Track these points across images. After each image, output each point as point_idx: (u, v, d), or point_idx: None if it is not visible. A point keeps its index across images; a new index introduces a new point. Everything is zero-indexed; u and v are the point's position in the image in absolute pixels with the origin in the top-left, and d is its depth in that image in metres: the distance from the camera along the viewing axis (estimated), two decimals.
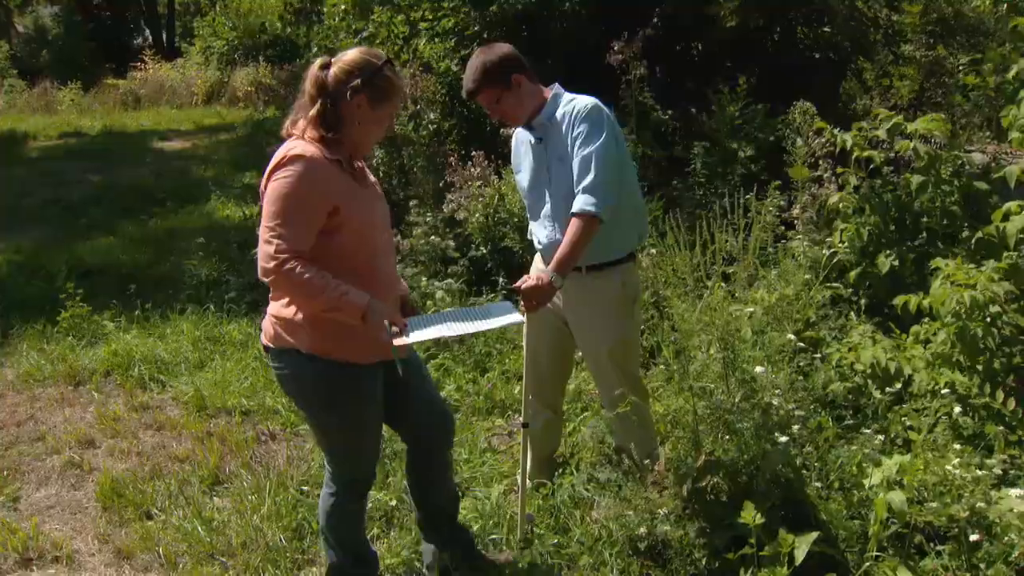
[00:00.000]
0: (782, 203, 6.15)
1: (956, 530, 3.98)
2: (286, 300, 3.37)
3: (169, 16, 35.01)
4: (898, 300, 5.06)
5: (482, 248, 7.29)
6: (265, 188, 3.23)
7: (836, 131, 5.95)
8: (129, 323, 7.88)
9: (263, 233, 3.16)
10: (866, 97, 14.31)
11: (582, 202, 3.92)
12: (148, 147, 18.01)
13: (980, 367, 4.61)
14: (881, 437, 4.51)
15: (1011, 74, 5.72)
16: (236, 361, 6.92)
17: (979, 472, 4.17)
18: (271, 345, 3.47)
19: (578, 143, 3.99)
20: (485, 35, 9.17)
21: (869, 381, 4.92)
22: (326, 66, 3.32)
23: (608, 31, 8.21)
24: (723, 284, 5.59)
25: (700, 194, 7.35)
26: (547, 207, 4.23)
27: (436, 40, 9.95)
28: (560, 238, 4.03)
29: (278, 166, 3.20)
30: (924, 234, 5.72)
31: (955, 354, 4.68)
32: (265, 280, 3.19)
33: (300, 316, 3.33)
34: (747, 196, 6.23)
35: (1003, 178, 5.42)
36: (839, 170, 6.07)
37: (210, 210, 12.35)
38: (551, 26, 9.27)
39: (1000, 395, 4.52)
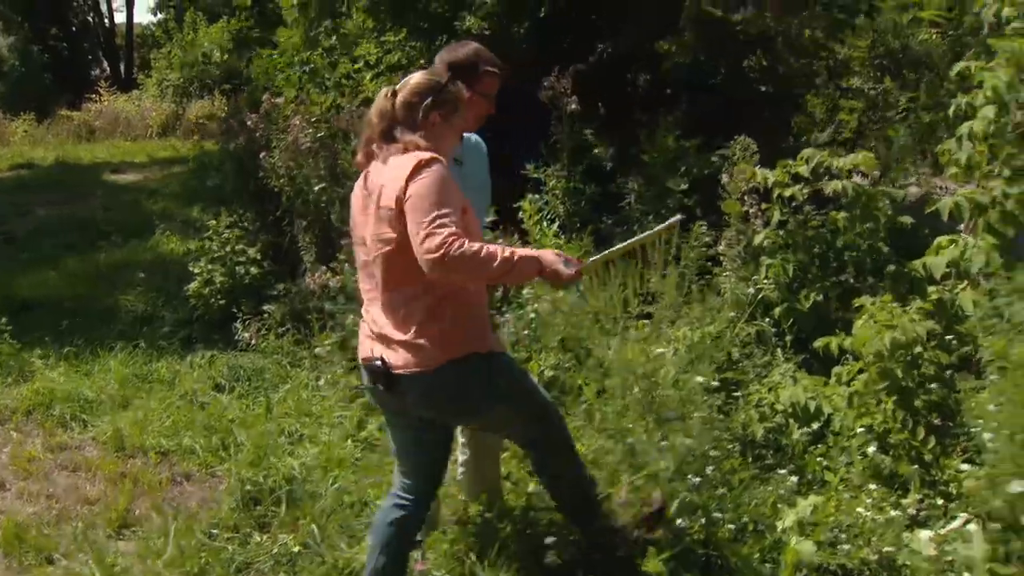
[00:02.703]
0: (708, 239, 6.10)
1: (868, 573, 3.92)
2: (417, 320, 3.44)
3: (128, 48, 34.87)
4: (819, 343, 5.01)
5: None
6: (405, 191, 3.30)
7: (757, 168, 5.92)
8: (58, 360, 7.70)
9: (420, 229, 3.19)
10: (815, 130, 14.41)
11: None
12: (100, 180, 17.75)
13: (900, 406, 4.55)
14: (796, 478, 4.44)
15: (951, 110, 5.70)
16: (160, 399, 6.76)
17: (893, 513, 4.12)
18: (416, 369, 3.46)
19: None
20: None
21: (790, 420, 4.86)
22: (393, 95, 3.54)
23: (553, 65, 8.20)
24: (646, 322, 5.51)
25: (635, 229, 7.30)
26: None
27: (381, 77, 9.91)
28: None
29: (416, 170, 3.31)
30: (851, 270, 5.68)
31: (876, 394, 4.62)
32: (437, 271, 3.19)
33: (446, 330, 3.45)
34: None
35: (937, 212, 5.40)
36: (764, 207, 6.03)
37: (154, 244, 12.17)
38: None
39: (920, 432, 4.47)
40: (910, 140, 8.19)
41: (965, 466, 4.20)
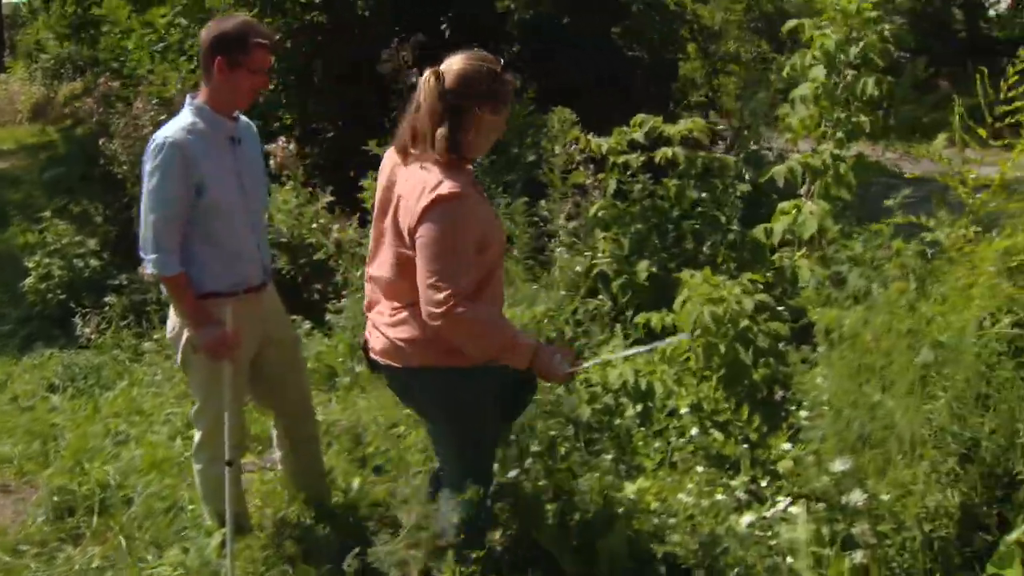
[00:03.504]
0: (545, 213, 5.88)
1: (693, 560, 3.74)
2: (405, 322, 3.30)
3: None
4: (639, 318, 4.82)
5: None
6: (415, 228, 3.09)
7: (590, 137, 5.69)
8: None
9: (426, 278, 3.06)
10: (698, 94, 14.36)
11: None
12: None
13: (727, 383, 4.39)
14: (620, 464, 4.25)
15: (785, 71, 5.56)
16: None
17: (719, 497, 3.95)
18: (390, 362, 3.37)
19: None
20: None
21: (623, 400, 4.67)
22: (439, 77, 3.14)
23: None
24: None
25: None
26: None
27: None
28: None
29: (432, 206, 3.06)
30: (691, 240, 5.50)
31: (700, 371, 4.46)
32: (435, 325, 3.08)
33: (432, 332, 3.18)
34: (512, 204, 5.96)
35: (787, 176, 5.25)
36: (600, 176, 5.82)
37: (9, 236, 11.60)
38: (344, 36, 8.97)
39: (745, 411, 4.31)
40: (764, 104, 8.02)
41: (787, 445, 4.04)
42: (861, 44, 4.83)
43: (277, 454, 4.53)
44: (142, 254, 3.76)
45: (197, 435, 4.15)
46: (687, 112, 10.65)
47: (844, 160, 4.95)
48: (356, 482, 4.65)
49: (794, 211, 5.15)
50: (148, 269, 3.78)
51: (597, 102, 8.81)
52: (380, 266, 3.38)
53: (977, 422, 3.64)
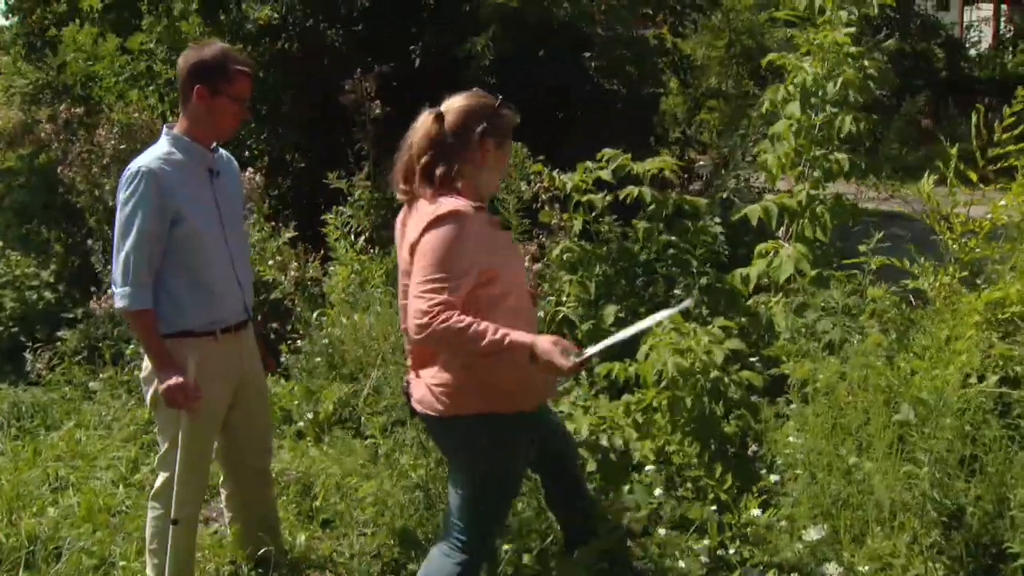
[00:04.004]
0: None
1: None
2: (432, 364, 3.26)
3: None
4: (601, 370, 4.55)
5: None
6: (417, 243, 3.10)
7: (555, 173, 5.40)
8: None
9: (415, 289, 3.03)
10: (678, 130, 14.15)
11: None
12: None
13: (695, 438, 4.12)
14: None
15: (764, 107, 5.34)
16: None
17: (681, 564, 3.68)
18: (437, 414, 3.27)
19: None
20: None
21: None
22: (440, 118, 3.20)
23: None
24: None
25: None
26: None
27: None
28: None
29: (433, 223, 3.07)
30: (661, 283, 5.22)
31: (665, 425, 4.18)
32: (419, 337, 3.02)
33: (465, 379, 3.20)
34: None
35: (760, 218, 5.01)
36: (565, 216, 5.52)
37: None
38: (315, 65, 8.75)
39: (718, 468, 4.03)
40: (741, 140, 7.80)
41: (757, 511, 3.76)
42: (839, 80, 4.61)
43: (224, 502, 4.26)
44: (113, 287, 3.61)
45: (159, 479, 3.88)
46: (667, 148, 10.39)
47: (822, 200, 4.71)
48: (302, 537, 4.39)
49: (771, 254, 4.90)
50: (117, 303, 3.57)
51: (572, 135, 8.60)
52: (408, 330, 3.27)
53: (962, 488, 3.38)
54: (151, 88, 10.10)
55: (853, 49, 4.66)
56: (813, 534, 3.38)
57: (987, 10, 26.28)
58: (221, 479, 4.22)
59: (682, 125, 13.83)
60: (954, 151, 3.98)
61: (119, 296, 3.55)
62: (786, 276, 4.63)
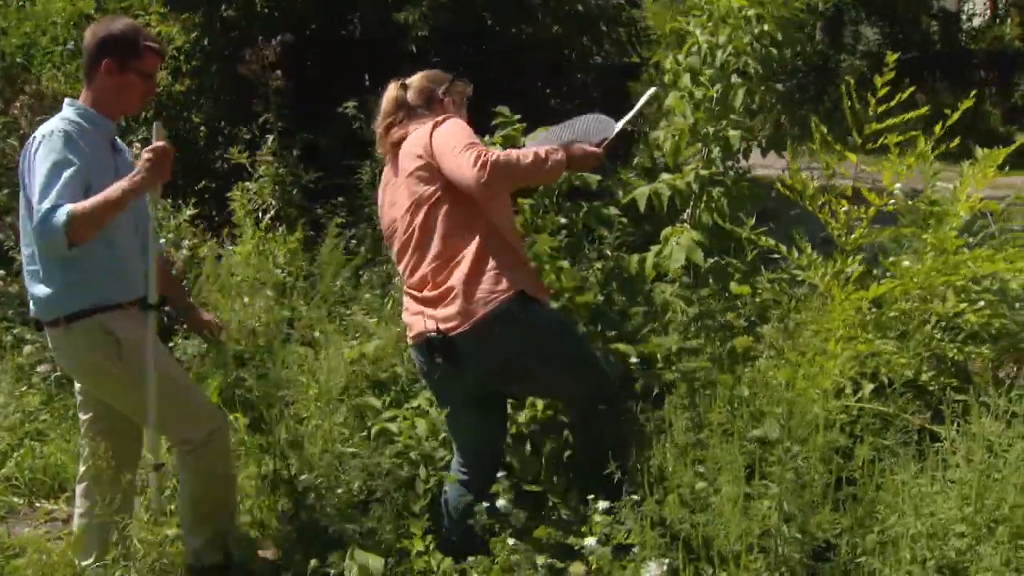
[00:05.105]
0: None
1: None
2: (469, 264, 3.37)
3: None
4: None
5: None
6: (431, 147, 3.38)
7: None
8: None
9: (457, 158, 3.26)
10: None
11: None
12: None
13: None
14: None
15: (665, 78, 4.80)
16: None
17: None
18: (477, 317, 3.33)
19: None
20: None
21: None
22: (404, 87, 3.65)
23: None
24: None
25: (348, 218, 6.38)
26: None
27: None
28: None
29: (436, 124, 3.42)
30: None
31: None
32: (485, 183, 3.21)
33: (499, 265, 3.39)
34: None
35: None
36: None
37: None
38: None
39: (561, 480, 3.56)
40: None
41: (592, 539, 3.24)
42: (728, 48, 4.09)
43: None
44: (41, 223, 3.20)
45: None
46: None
47: (718, 181, 4.22)
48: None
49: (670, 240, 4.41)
50: (55, 221, 3.16)
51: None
52: (407, 253, 3.52)
53: (827, 519, 2.90)
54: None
55: (751, 12, 4.14)
56: (654, 570, 2.91)
57: None
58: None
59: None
60: (822, 127, 3.50)
61: (48, 213, 3.16)
62: (676, 266, 4.14)
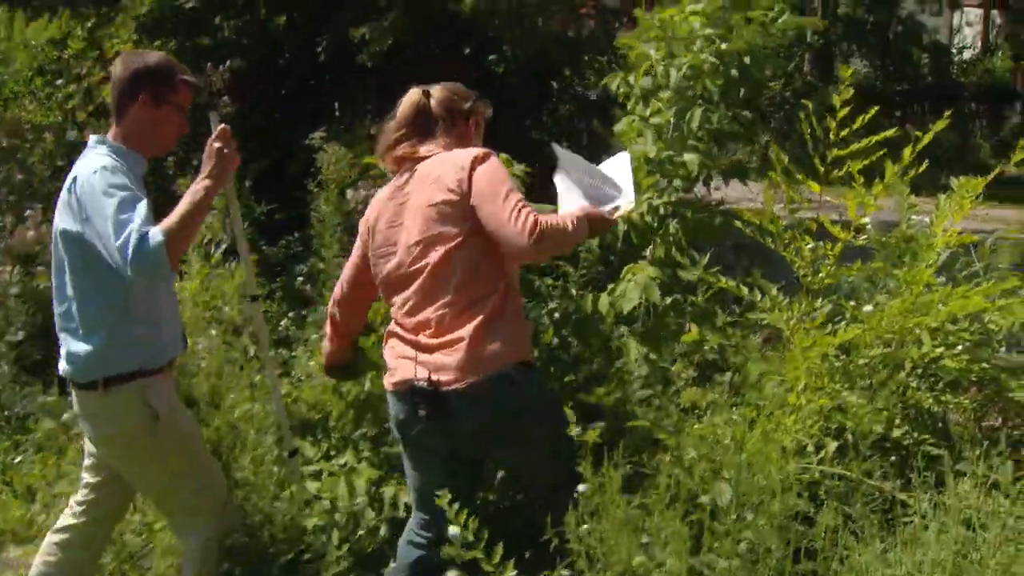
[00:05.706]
0: None
1: None
2: (472, 328, 3.09)
3: None
4: None
5: None
6: (470, 187, 3.12)
7: None
8: None
9: (499, 211, 3.04)
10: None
11: None
12: None
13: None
14: None
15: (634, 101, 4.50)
16: None
17: None
18: (477, 377, 3.06)
19: None
20: None
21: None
22: (427, 94, 3.38)
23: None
24: None
25: (315, 259, 6.07)
26: None
27: None
28: None
29: (478, 160, 3.16)
30: None
31: None
32: (535, 248, 3.02)
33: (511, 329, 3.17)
34: None
35: None
36: None
37: None
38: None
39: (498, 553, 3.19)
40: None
41: None
42: (683, 68, 3.75)
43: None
44: (137, 253, 2.96)
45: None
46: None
47: (677, 214, 3.89)
48: None
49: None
50: (155, 241, 2.95)
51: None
52: (429, 297, 3.17)
53: None
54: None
55: (709, 31, 3.80)
56: None
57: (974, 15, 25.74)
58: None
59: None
60: (783, 157, 3.17)
61: (140, 243, 2.94)
62: (630, 306, 3.80)
